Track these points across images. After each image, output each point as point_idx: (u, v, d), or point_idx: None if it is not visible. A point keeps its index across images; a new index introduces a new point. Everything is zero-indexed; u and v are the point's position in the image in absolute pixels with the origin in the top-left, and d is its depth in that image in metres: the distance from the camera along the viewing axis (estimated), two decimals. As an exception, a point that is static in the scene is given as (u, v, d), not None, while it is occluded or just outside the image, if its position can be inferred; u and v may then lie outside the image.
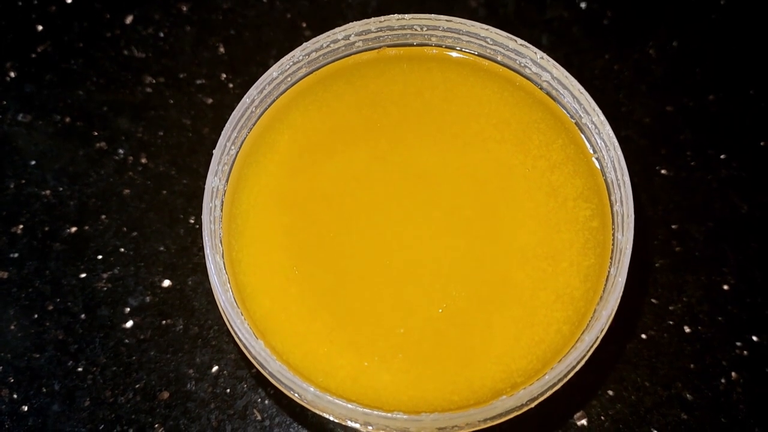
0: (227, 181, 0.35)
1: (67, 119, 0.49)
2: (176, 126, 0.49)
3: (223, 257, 0.33)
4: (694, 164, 0.48)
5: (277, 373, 0.30)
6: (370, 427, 0.30)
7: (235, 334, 0.31)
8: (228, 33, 0.52)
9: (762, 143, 0.48)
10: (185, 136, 0.49)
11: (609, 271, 0.33)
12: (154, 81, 0.50)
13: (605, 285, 0.32)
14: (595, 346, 0.31)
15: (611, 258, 0.33)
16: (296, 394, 0.30)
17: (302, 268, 0.34)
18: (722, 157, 0.48)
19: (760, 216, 0.46)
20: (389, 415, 0.29)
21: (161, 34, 0.52)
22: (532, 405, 0.31)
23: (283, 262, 0.34)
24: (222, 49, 0.51)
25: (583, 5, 0.53)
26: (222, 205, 0.34)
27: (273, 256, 0.34)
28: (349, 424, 0.30)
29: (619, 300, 0.31)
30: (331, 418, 0.31)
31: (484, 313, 0.33)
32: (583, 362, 0.31)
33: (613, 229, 0.34)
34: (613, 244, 0.33)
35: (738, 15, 0.52)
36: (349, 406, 0.29)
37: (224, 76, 0.50)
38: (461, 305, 0.33)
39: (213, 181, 0.33)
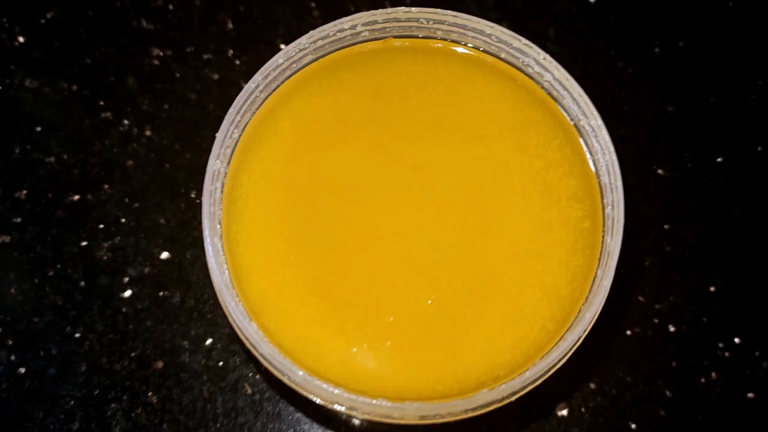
0: (229, 162, 0.35)
1: (74, 87, 0.50)
2: (181, 100, 0.50)
3: (221, 238, 0.34)
4: (690, 166, 0.48)
5: (268, 355, 0.31)
6: (355, 412, 0.31)
7: (230, 315, 0.32)
8: (237, 9, 0.52)
9: (759, 148, 0.49)
10: (190, 111, 0.49)
11: (596, 273, 0.33)
12: (161, 54, 0.51)
13: (591, 286, 0.33)
14: (578, 345, 0.32)
15: (599, 260, 0.34)
16: (286, 377, 0.31)
17: (297, 252, 0.35)
18: (719, 160, 0.48)
19: (752, 220, 0.47)
20: (374, 401, 0.30)
21: (170, 7, 0.52)
22: (513, 399, 0.32)
23: (279, 245, 0.35)
24: (230, 25, 0.52)
25: (592, 0, 0.53)
26: (222, 187, 0.35)
27: (270, 239, 0.35)
28: (335, 407, 0.31)
29: (603, 302, 0.32)
30: (318, 401, 0.32)
31: (471, 307, 0.34)
32: (564, 360, 0.32)
33: (603, 231, 0.34)
34: (602, 247, 0.34)
35: (746, 18, 0.52)
36: (336, 391, 0.30)
37: (231, 52, 0.51)
38: (450, 298, 0.34)
39: (215, 164, 0.34)
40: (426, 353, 0.33)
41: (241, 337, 0.32)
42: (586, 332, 0.32)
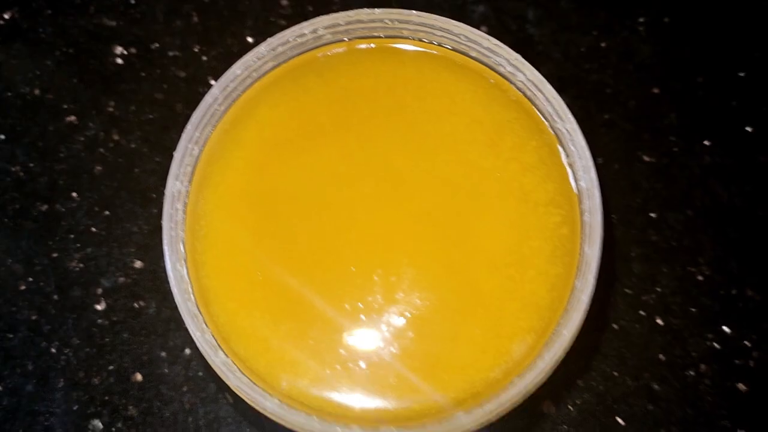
0: (191, 180, 0.34)
1: (36, 92, 0.48)
2: (148, 101, 0.48)
3: (185, 261, 0.33)
4: (677, 150, 0.47)
5: (236, 387, 0.30)
6: (331, 438, 0.30)
7: (198, 344, 0.31)
8: (202, 1, 0.50)
9: (747, 129, 0.47)
10: (158, 112, 0.48)
11: (575, 284, 0.32)
12: (125, 52, 0.49)
13: (570, 298, 0.32)
14: (557, 361, 0.31)
15: (578, 269, 0.32)
16: (258, 406, 0.31)
17: (267, 271, 0.33)
18: (706, 143, 0.47)
19: (740, 205, 0.46)
20: (346, 428, 0.29)
21: (132, 1, 0.50)
22: (494, 417, 0.31)
23: (247, 265, 0.34)
24: (196, 18, 0.49)
25: (572, -24, 0.51)
26: (185, 207, 0.34)
27: (237, 258, 0.34)
28: (310, 434, 0.30)
29: (583, 317, 0.31)
30: (294, 429, 0.31)
31: (450, 324, 0.33)
32: (543, 378, 0.31)
33: (582, 239, 0.33)
34: (580, 256, 0.33)
35: (734, -11, 0.50)
36: (307, 420, 0.29)
37: (198, 48, 0.49)
38: (427, 315, 0.33)
39: (174, 185, 0.32)
40: (402, 373, 0.32)
41: (212, 365, 0.31)
42: (565, 350, 0.31)
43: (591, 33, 0.49)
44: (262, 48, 0.34)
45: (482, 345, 0.32)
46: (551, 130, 0.35)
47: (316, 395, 0.32)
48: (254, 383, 0.30)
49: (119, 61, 0.49)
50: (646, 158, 0.46)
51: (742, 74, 0.48)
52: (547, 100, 0.34)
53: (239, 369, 0.31)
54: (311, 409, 0.30)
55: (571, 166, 0.34)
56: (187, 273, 0.32)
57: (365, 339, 0.33)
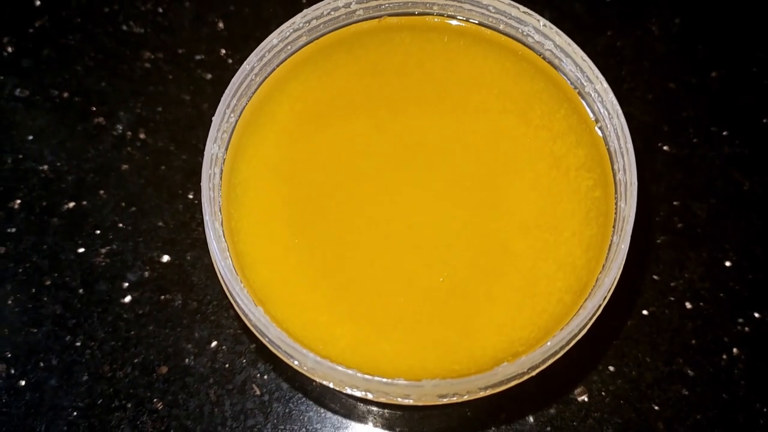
0: (227, 149, 0.34)
1: (65, 94, 0.49)
2: (175, 102, 0.49)
3: (222, 226, 0.33)
4: (696, 141, 0.47)
5: (277, 339, 0.30)
6: (370, 395, 0.30)
7: (235, 301, 0.31)
8: (227, 8, 0.51)
9: (764, 120, 0.48)
10: (184, 112, 0.48)
11: (612, 240, 0.32)
12: (152, 56, 0.50)
13: (608, 253, 0.32)
14: (598, 313, 0.31)
15: (614, 227, 0.33)
16: (296, 362, 0.30)
17: (302, 237, 0.34)
18: (725, 134, 0.47)
19: (762, 193, 0.46)
20: (390, 381, 0.29)
21: (160, 10, 0.51)
22: (534, 373, 0.30)
23: (282, 231, 0.34)
24: (221, 25, 0.51)
25: (585, -18, 0.52)
26: (221, 174, 0.34)
27: (272, 225, 0.34)
28: (349, 391, 0.30)
29: (621, 267, 0.31)
30: (331, 386, 0.30)
31: (485, 284, 0.33)
32: (585, 330, 0.30)
33: (616, 198, 0.33)
34: (615, 213, 0.33)
35: (741, -8, 0.52)
36: (350, 372, 0.29)
37: (223, 51, 0.50)
38: (462, 275, 0.33)
39: (212, 148, 0.33)
40: (440, 333, 0.32)
41: (248, 324, 0.31)
42: (606, 299, 0.31)
43: (605, 33, 0.50)
44: (298, 19, 0.35)
45: (517, 304, 0.32)
46: (580, 97, 0.35)
47: (354, 357, 0.31)
48: (292, 341, 0.30)
49: (147, 65, 0.50)
50: (666, 149, 0.47)
51: (755, 70, 0.49)
52: (575, 63, 0.34)
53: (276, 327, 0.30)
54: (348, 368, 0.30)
55: (602, 129, 0.34)
56: (224, 236, 0.33)
57: (402, 300, 0.32)
